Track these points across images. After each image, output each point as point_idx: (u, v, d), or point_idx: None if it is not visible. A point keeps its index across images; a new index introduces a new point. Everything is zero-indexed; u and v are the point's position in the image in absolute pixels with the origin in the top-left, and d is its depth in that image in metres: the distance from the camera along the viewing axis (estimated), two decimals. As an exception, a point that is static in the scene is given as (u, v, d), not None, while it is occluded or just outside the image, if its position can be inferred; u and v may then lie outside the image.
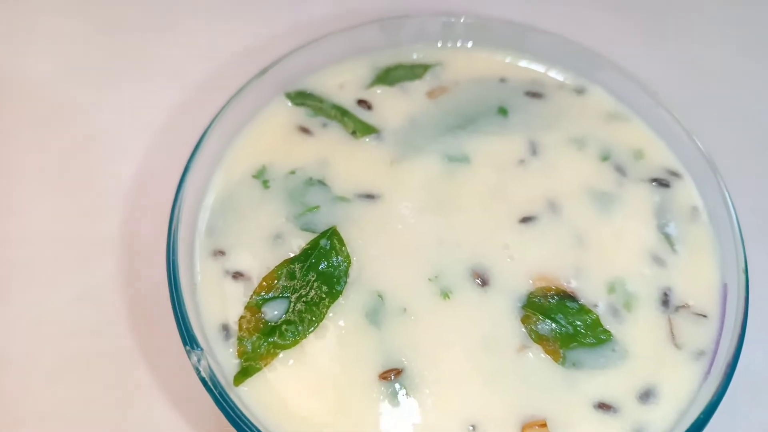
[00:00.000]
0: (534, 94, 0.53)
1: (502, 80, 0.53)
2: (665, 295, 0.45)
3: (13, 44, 0.62)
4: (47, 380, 0.48)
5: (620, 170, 0.49)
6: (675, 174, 0.49)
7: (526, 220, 0.47)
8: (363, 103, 0.52)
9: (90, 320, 0.49)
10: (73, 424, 0.46)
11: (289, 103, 0.52)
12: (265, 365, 0.42)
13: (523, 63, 0.54)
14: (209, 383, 0.39)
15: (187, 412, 0.46)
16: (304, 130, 0.51)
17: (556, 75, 0.54)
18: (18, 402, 0.47)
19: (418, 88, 0.53)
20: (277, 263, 0.45)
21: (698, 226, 0.47)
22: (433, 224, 0.47)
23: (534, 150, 0.50)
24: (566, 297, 0.44)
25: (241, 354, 0.42)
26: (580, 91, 0.53)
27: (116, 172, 0.55)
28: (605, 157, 0.50)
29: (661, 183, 0.49)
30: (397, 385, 0.41)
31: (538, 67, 0.54)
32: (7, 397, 0.47)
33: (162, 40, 0.62)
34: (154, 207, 0.52)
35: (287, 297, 0.44)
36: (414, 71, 0.53)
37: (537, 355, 0.42)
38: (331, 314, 0.43)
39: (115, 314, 0.50)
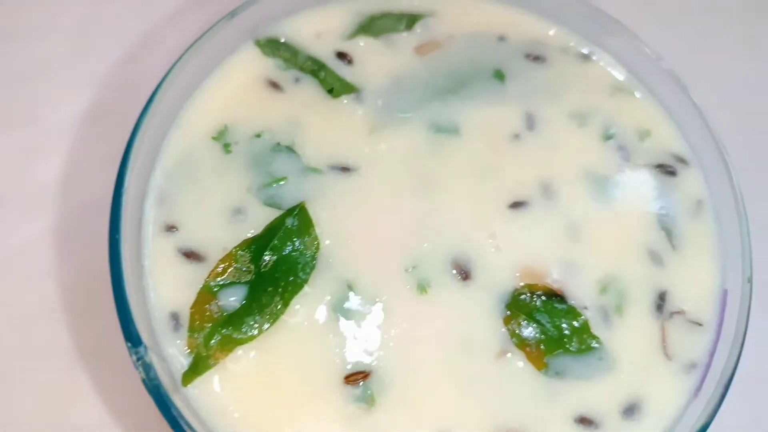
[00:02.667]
0: (535, 58, 0.47)
1: (501, 38, 0.47)
2: (660, 298, 0.41)
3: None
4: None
5: (623, 152, 0.45)
6: (682, 161, 0.45)
7: (516, 205, 0.42)
8: (343, 56, 0.46)
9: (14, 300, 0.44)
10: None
11: (259, 53, 0.45)
12: (217, 361, 0.37)
13: (526, 20, 0.48)
14: (151, 386, 0.35)
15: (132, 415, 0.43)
16: (274, 85, 0.45)
17: (561, 37, 0.48)
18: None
19: (407, 41, 0.46)
20: (236, 242, 0.40)
21: (702, 223, 0.43)
22: (414, 205, 0.42)
23: (531, 124, 0.45)
24: (554, 296, 0.40)
25: (192, 347, 0.38)
26: (585, 57, 0.47)
27: (55, 123, 0.49)
28: (608, 137, 0.45)
29: (667, 170, 0.44)
30: (364, 390, 0.38)
31: (542, 27, 0.48)
32: None
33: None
34: (99, 167, 0.46)
35: (246, 283, 0.39)
36: (403, 21, 0.47)
37: (518, 362, 0.39)
38: (297, 305, 0.39)
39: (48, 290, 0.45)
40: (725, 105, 0.50)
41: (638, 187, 0.44)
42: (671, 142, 0.45)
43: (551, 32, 0.48)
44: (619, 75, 0.47)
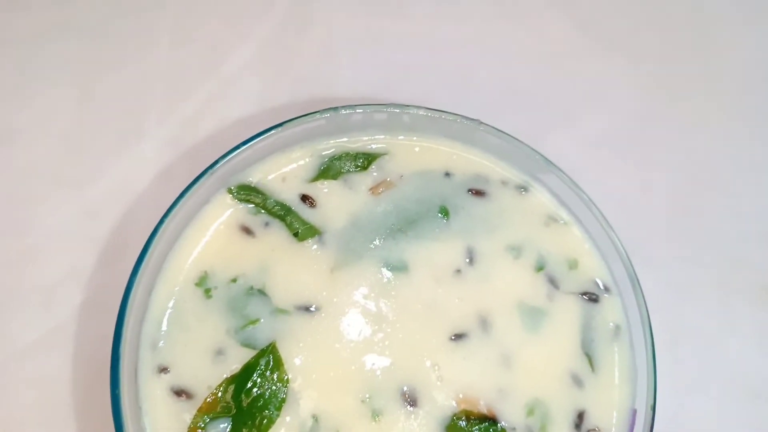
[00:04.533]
0: (477, 192, 0.53)
1: (447, 174, 0.53)
2: (579, 417, 0.48)
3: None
4: None
5: (553, 282, 0.51)
6: (605, 288, 0.51)
7: (457, 337, 0.49)
8: (307, 199, 0.52)
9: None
10: None
11: (231, 199, 0.52)
12: (208, 488, 0.46)
13: (469, 157, 0.53)
14: None
15: None
16: (247, 231, 0.51)
17: (500, 171, 0.53)
18: None
19: (363, 182, 0.53)
20: (219, 381, 0.47)
21: (618, 347, 0.50)
22: (368, 340, 0.49)
23: (471, 258, 0.51)
24: (487, 419, 0.48)
25: (186, 477, 0.46)
26: (523, 189, 0.53)
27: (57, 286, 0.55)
28: (540, 267, 0.51)
29: (591, 297, 0.51)
30: None
31: (484, 162, 0.53)
32: None
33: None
34: (99, 264, 0.53)
35: (229, 417, 0.47)
36: (359, 162, 0.53)
37: (455, 480, 0.47)
38: (273, 434, 0.47)
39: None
40: (645, 237, 0.55)
41: (565, 314, 0.50)
42: (596, 270, 0.52)
43: (492, 167, 0.53)
44: (553, 207, 0.53)
